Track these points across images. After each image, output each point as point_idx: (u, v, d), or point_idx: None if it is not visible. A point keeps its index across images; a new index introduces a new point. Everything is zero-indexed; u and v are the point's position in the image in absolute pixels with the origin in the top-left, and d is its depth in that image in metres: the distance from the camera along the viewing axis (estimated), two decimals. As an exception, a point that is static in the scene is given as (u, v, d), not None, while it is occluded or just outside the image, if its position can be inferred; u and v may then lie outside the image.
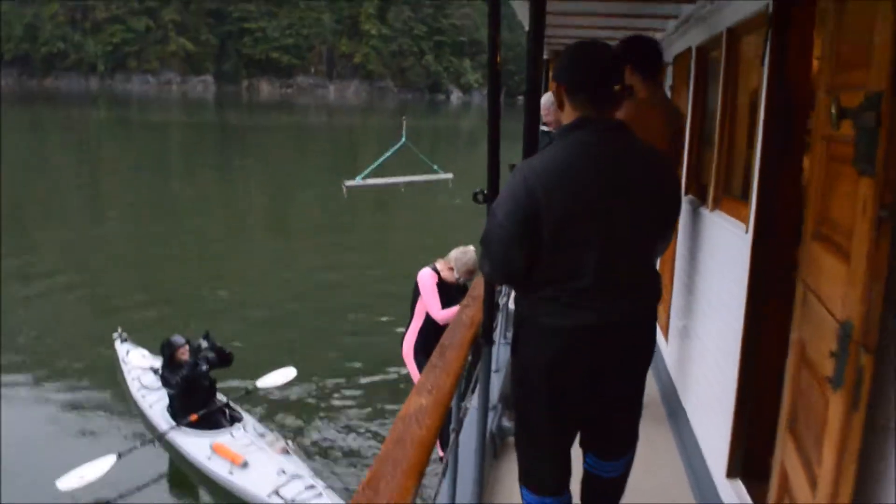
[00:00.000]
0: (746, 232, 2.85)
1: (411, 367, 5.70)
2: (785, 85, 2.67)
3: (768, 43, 2.70)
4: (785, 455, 2.08)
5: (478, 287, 2.88)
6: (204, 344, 6.95)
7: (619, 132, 2.16)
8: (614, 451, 2.44)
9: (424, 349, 5.54)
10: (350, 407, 8.19)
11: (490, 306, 2.63)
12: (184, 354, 6.84)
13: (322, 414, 7.98)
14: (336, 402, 8.27)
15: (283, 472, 6.01)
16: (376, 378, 8.77)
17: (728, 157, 3.53)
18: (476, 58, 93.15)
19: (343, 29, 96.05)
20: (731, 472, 2.97)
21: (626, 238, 2.13)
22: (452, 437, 2.57)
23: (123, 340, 8.65)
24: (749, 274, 2.78)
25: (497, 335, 4.28)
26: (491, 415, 3.75)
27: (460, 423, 2.54)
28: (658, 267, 4.38)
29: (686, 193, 4.30)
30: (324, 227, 18.45)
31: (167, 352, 6.93)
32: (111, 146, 36.78)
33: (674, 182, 2.35)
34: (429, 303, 5.52)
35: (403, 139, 12.60)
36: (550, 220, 2.05)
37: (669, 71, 5.34)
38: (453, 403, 2.35)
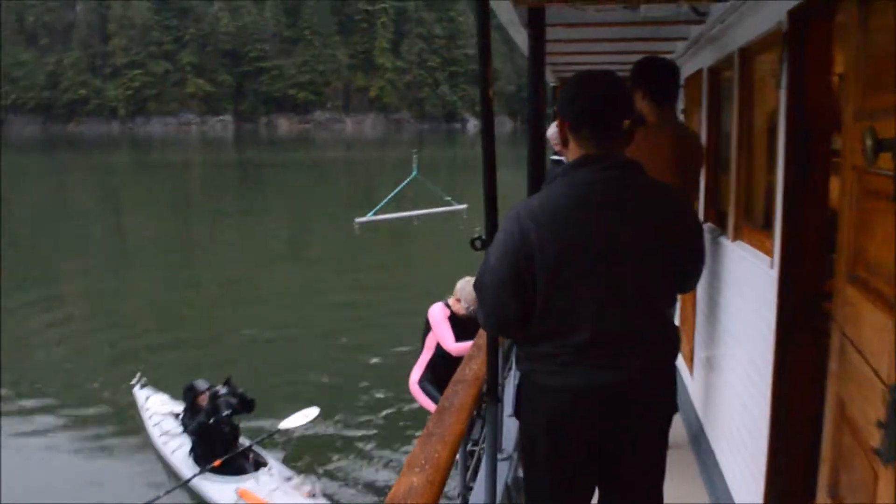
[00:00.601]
0: (772, 266, 2.64)
1: (418, 397, 5.71)
2: (805, 105, 2.48)
3: (784, 62, 2.52)
4: (828, 523, 1.85)
5: (483, 336, 2.67)
6: (223, 390, 6.76)
7: (625, 170, 1.96)
8: None
9: (433, 381, 5.56)
10: (376, 442, 7.97)
11: (494, 359, 2.39)
12: (205, 400, 6.69)
13: (348, 453, 7.78)
14: (361, 439, 8.06)
15: None
16: (402, 410, 8.55)
17: (747, 183, 3.33)
18: (491, 85, 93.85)
19: (358, 63, 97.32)
20: (768, 526, 2.73)
21: (632, 287, 1.92)
22: (460, 502, 2.36)
23: (143, 386, 8.47)
24: (777, 312, 2.55)
25: (510, 379, 4.06)
26: (507, 465, 3.53)
27: (467, 489, 2.32)
28: (679, 301, 4.12)
29: (704, 221, 4.10)
30: (344, 262, 18.26)
31: (190, 396, 6.79)
32: (133, 188, 37.21)
33: (688, 222, 2.12)
34: (440, 334, 5.42)
35: (414, 172, 12.58)
36: (544, 267, 1.87)
37: (681, 94, 5.17)
38: (458, 471, 2.14)
